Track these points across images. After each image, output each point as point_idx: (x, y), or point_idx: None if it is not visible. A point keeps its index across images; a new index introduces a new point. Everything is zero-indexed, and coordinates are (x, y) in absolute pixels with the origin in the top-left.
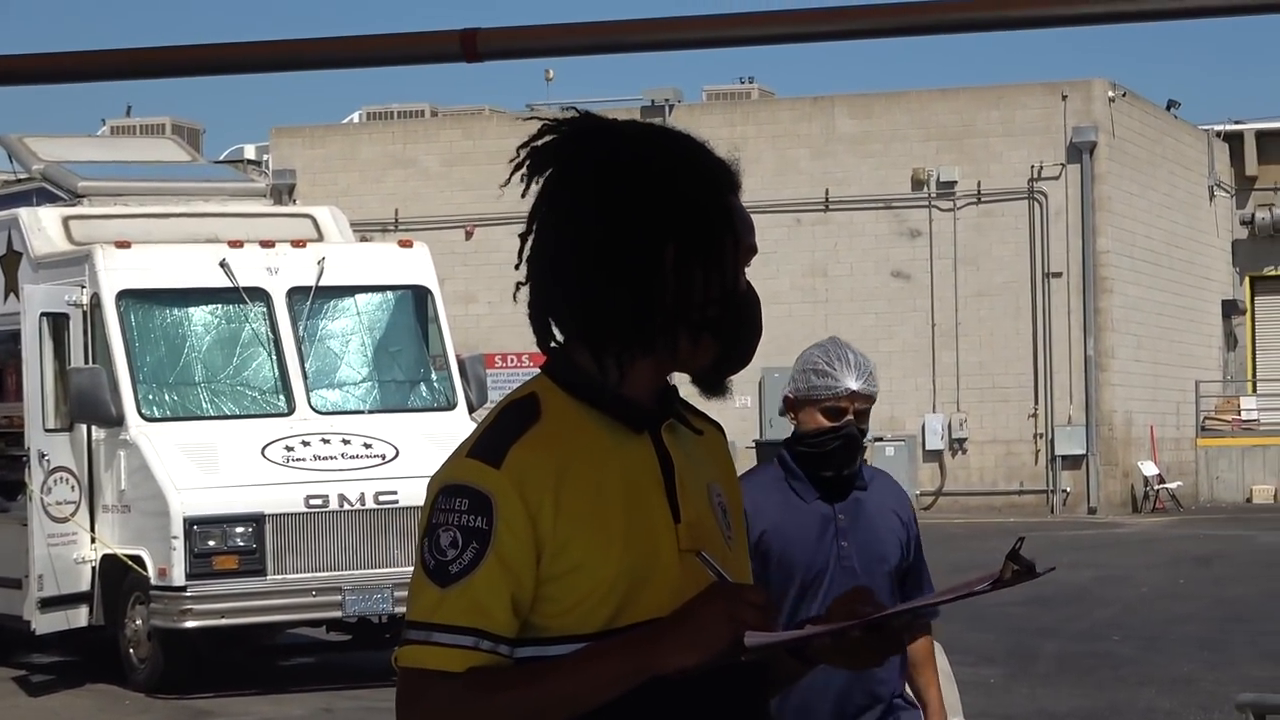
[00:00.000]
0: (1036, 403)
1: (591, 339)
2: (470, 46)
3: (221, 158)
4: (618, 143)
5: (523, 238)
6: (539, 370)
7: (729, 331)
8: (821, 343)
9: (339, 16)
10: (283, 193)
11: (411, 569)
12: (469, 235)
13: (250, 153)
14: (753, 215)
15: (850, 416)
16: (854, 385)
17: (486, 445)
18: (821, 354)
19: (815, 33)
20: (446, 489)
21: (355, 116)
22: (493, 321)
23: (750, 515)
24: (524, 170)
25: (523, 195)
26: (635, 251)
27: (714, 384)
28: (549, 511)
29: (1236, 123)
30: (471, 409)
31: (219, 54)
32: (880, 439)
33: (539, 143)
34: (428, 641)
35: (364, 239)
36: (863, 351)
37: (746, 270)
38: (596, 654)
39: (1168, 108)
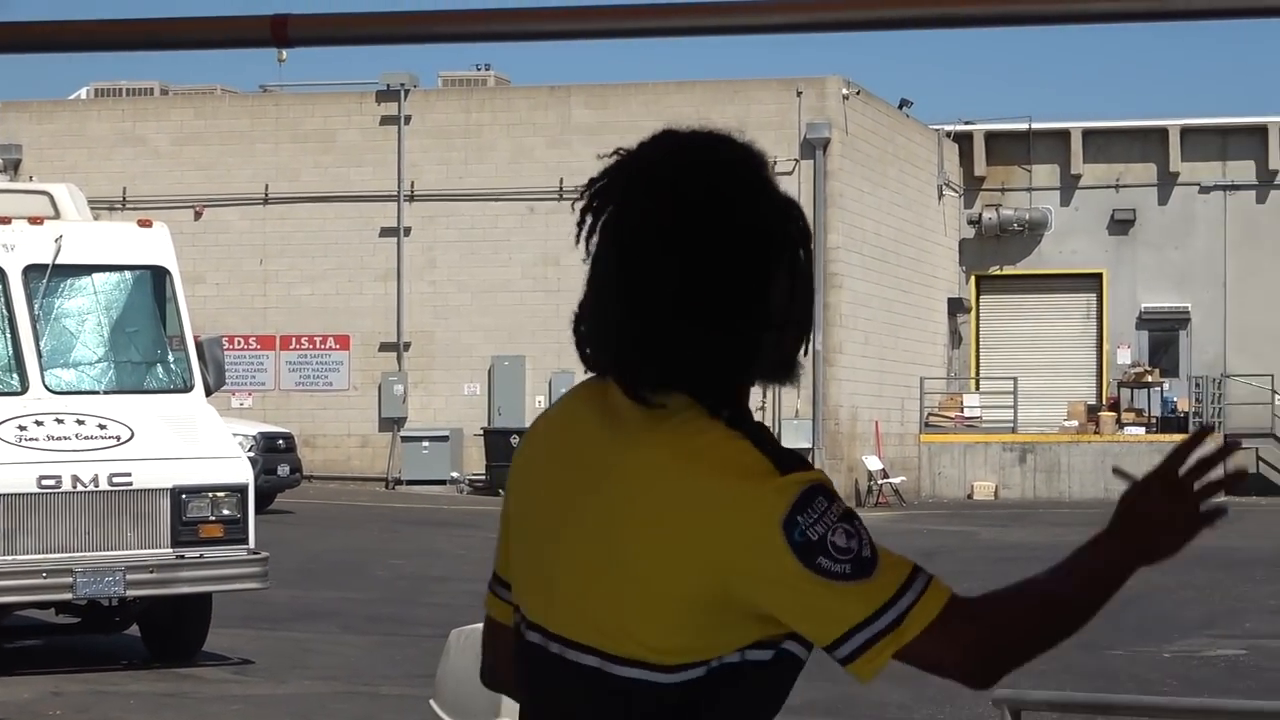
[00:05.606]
0: (764, 395)
1: (730, 378)
2: (281, 33)
3: None
4: (723, 168)
5: (623, 270)
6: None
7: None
8: None
9: None
10: (9, 168)
11: (147, 551)
12: (198, 215)
13: None
14: (487, 204)
15: None
16: None
17: (784, 455)
18: None
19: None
20: (799, 502)
21: (83, 93)
22: (219, 303)
23: None
24: (591, 210)
25: (585, 236)
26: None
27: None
28: None
29: (966, 123)
30: (208, 391)
31: (29, 32)
32: None
33: (609, 179)
34: (910, 607)
35: (95, 217)
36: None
37: None
38: (1101, 550)
39: (900, 106)
